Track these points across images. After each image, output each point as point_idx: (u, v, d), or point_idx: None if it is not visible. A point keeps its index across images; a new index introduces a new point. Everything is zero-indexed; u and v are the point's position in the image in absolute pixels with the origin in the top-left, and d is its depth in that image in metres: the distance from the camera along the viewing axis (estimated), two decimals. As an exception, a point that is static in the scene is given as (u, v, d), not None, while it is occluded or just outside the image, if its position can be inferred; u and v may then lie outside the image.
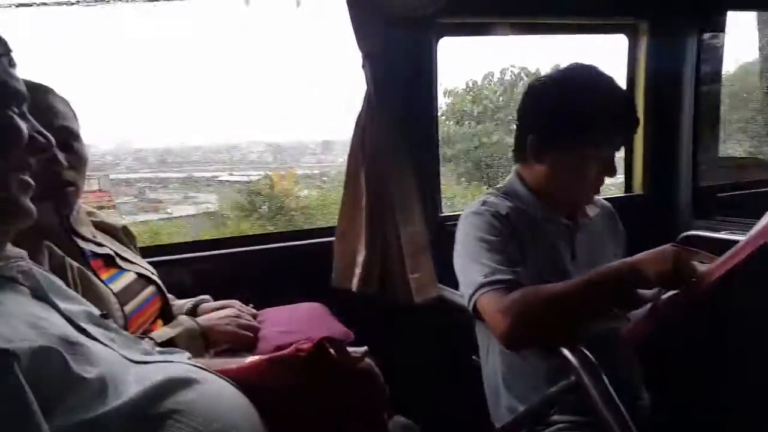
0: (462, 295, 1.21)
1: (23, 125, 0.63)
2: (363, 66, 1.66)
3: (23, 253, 0.69)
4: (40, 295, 0.65)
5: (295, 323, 1.32)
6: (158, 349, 0.84)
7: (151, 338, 1.04)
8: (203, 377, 0.68)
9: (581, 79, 1.22)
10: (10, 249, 0.67)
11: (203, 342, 1.13)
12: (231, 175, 5.39)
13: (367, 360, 0.85)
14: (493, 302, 1.10)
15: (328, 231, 1.78)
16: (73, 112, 1.11)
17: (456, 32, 1.92)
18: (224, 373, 0.74)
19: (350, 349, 0.84)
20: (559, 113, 1.20)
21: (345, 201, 1.71)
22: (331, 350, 0.80)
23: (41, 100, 1.03)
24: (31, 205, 0.65)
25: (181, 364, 0.72)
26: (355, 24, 1.61)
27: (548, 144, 1.23)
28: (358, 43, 1.64)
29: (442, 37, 1.85)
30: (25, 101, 0.65)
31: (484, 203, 1.28)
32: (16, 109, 0.63)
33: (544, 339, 1.09)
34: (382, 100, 1.66)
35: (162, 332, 1.08)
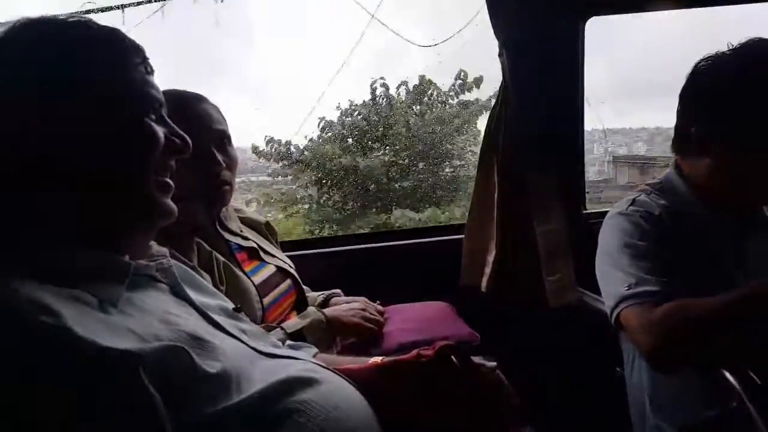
0: (606, 303, 1.11)
1: (159, 130, 0.67)
2: (500, 54, 1.59)
3: (165, 251, 0.75)
4: (177, 290, 0.71)
5: (420, 321, 1.31)
6: (288, 342, 0.87)
7: (282, 328, 1.09)
8: (325, 377, 0.69)
9: (764, 57, 1.02)
10: (155, 248, 0.73)
11: (330, 333, 1.16)
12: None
13: (497, 373, 0.80)
14: (637, 318, 0.99)
15: (458, 228, 1.75)
16: (223, 117, 1.20)
17: (606, 10, 1.72)
18: (345, 373, 0.74)
19: (477, 359, 0.79)
20: (734, 97, 1.02)
21: (475, 197, 1.67)
22: (454, 358, 0.76)
23: (198, 108, 1.14)
24: (172, 205, 0.69)
25: (305, 362, 0.74)
26: (492, 8, 1.53)
27: (718, 134, 1.05)
28: (495, 29, 1.57)
29: (589, 17, 1.69)
30: (162, 106, 0.69)
31: (633, 202, 1.15)
32: (153, 116, 0.67)
33: (698, 360, 0.98)
34: (520, 89, 1.57)
35: (292, 323, 1.13)
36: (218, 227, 1.19)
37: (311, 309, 1.21)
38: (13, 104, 0.59)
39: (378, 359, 0.82)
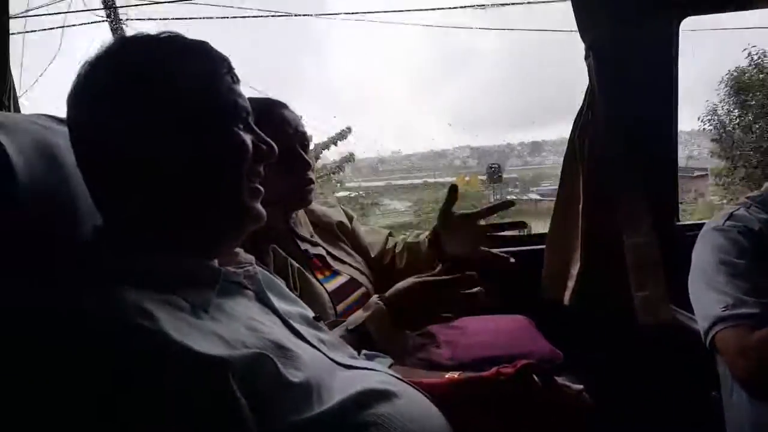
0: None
1: (248, 138, 0.69)
2: (586, 58, 1.52)
3: (251, 258, 0.77)
4: (261, 297, 0.72)
5: (497, 335, 1.26)
6: (364, 352, 0.87)
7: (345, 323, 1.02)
8: (402, 390, 0.68)
9: None
10: (242, 255, 0.76)
11: (391, 320, 1.02)
12: (424, 182, 5.66)
13: (584, 396, 0.75)
14: (733, 341, 0.94)
15: (538, 238, 1.68)
16: (301, 121, 1.22)
17: (702, 9, 1.59)
18: (421, 387, 0.73)
19: (561, 380, 0.75)
20: None
21: (558, 206, 1.59)
22: (536, 377, 0.73)
23: (284, 113, 1.17)
24: (262, 209, 0.71)
25: (381, 374, 0.73)
26: (578, 9, 1.47)
27: None
28: (581, 32, 1.50)
29: (684, 17, 1.57)
30: (249, 114, 0.71)
31: (730, 217, 1.08)
32: (241, 124, 0.69)
33: None
34: (608, 94, 1.49)
35: (354, 317, 1.03)
36: (291, 233, 1.20)
37: (373, 299, 1.08)
38: (115, 118, 0.62)
39: (455, 374, 0.80)
